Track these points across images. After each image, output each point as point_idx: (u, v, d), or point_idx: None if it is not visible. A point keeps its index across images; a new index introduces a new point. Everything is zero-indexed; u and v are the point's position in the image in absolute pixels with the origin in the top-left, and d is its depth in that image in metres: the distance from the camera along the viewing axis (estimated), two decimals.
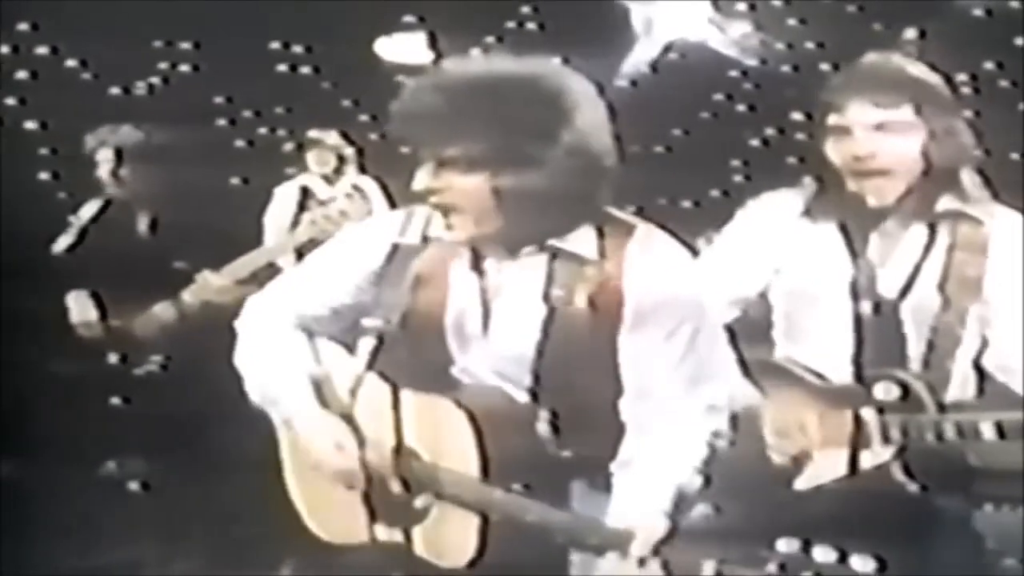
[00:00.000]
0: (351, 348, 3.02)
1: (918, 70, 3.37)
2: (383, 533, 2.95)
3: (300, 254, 4.62)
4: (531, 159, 2.82)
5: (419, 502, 2.91)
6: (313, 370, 3.01)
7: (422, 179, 2.87)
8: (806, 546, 2.46)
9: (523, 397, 2.89)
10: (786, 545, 2.51)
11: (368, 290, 2.99)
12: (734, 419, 2.95)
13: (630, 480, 2.84)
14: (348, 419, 2.97)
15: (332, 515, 3.00)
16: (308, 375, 3.00)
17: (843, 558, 2.51)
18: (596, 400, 2.88)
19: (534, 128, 2.81)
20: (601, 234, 2.91)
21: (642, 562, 2.75)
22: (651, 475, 2.83)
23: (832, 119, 3.32)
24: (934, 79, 3.38)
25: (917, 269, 3.34)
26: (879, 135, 3.29)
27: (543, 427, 2.88)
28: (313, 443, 2.96)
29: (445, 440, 2.88)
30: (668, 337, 2.87)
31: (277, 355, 3.03)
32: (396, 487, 2.92)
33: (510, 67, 2.91)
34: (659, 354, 2.87)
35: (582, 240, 2.90)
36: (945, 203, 3.35)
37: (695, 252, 3.03)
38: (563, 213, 2.89)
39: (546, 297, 2.89)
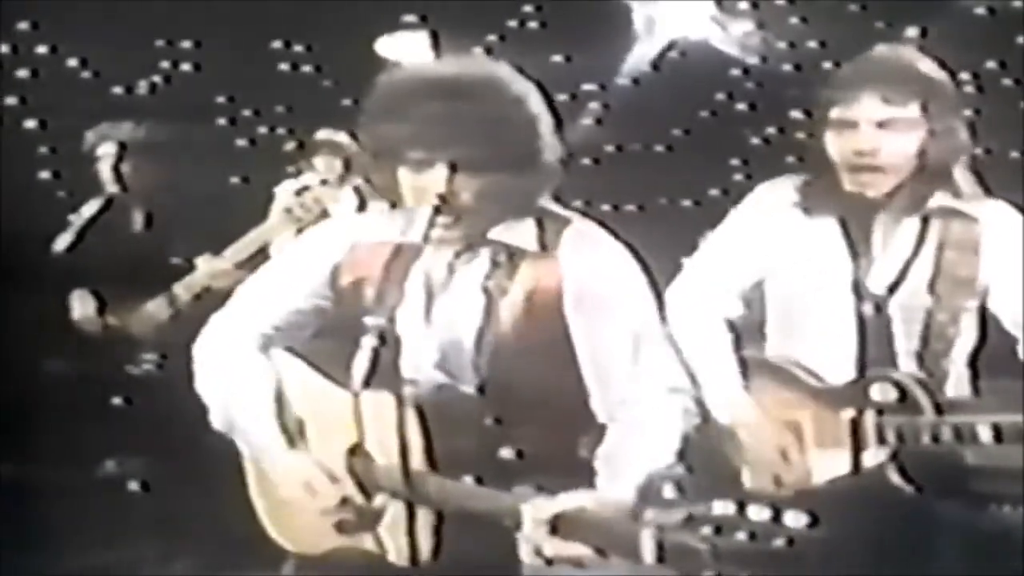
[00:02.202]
0: (301, 356, 3.04)
1: (927, 66, 3.36)
2: (349, 540, 2.97)
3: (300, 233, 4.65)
4: (493, 158, 2.86)
5: (377, 502, 2.93)
6: (273, 391, 3.02)
7: (437, 180, 2.89)
8: (740, 508, 2.46)
9: (469, 390, 2.92)
10: (721, 507, 2.52)
11: (326, 295, 3.02)
12: (700, 402, 2.98)
13: (611, 471, 2.85)
14: (302, 436, 2.98)
15: (297, 530, 3.01)
16: (271, 401, 3.01)
17: (776, 516, 2.51)
18: (537, 393, 2.90)
19: (502, 128, 2.86)
20: (542, 227, 2.96)
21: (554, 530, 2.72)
22: (628, 464, 2.84)
23: (838, 111, 3.31)
24: (941, 76, 3.37)
25: (907, 266, 3.34)
26: (883, 132, 3.29)
27: (488, 422, 2.90)
28: (285, 487, 2.98)
29: (394, 437, 2.89)
30: (612, 329, 2.90)
31: (240, 382, 3.04)
32: (352, 490, 2.94)
33: (470, 68, 2.96)
34: (606, 343, 2.91)
35: (522, 232, 2.95)
36: (938, 199, 3.34)
37: (633, 249, 3.04)
38: (506, 211, 2.94)
39: (484, 288, 2.93)
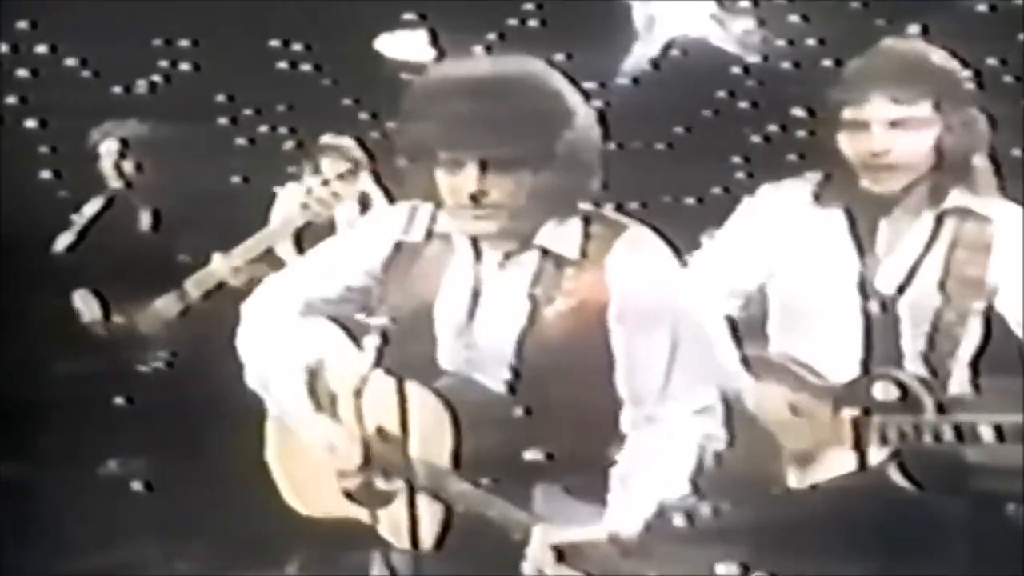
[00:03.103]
0: (355, 337, 3.05)
1: (937, 58, 3.35)
2: (357, 511, 2.98)
3: (298, 239, 4.64)
4: (534, 158, 2.85)
5: (393, 484, 2.94)
6: (310, 361, 3.03)
7: (468, 181, 2.89)
8: (745, 570, 2.48)
9: (500, 389, 2.92)
10: (725, 569, 2.54)
11: (379, 277, 3.02)
12: (728, 421, 2.97)
13: (624, 495, 2.85)
14: (333, 412, 2.99)
15: (310, 491, 3.02)
16: (305, 368, 3.02)
17: None
18: (573, 401, 2.90)
19: (540, 127, 2.85)
20: (587, 235, 2.94)
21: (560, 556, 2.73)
22: (642, 491, 2.84)
23: (850, 112, 3.30)
24: (953, 67, 3.35)
25: (917, 265, 3.33)
26: (896, 131, 3.28)
27: (517, 423, 2.91)
28: (309, 445, 2.99)
29: (422, 429, 2.90)
30: (652, 341, 2.90)
31: (277, 344, 3.05)
32: (373, 470, 2.95)
33: (504, 67, 2.95)
34: (645, 359, 2.89)
35: (566, 240, 2.93)
36: (954, 199, 3.33)
37: (680, 255, 3.04)
38: (557, 211, 2.92)
39: (530, 295, 2.92)
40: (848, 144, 3.34)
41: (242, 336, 3.14)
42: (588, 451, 2.90)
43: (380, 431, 2.96)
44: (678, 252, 3.03)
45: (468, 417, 2.90)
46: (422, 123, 2.92)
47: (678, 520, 2.81)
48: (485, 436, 2.89)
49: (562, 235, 2.96)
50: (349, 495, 3.01)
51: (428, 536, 2.94)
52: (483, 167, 2.86)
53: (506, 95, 2.87)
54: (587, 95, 3.00)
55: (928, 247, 3.34)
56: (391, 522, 2.98)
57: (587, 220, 2.98)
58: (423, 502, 2.93)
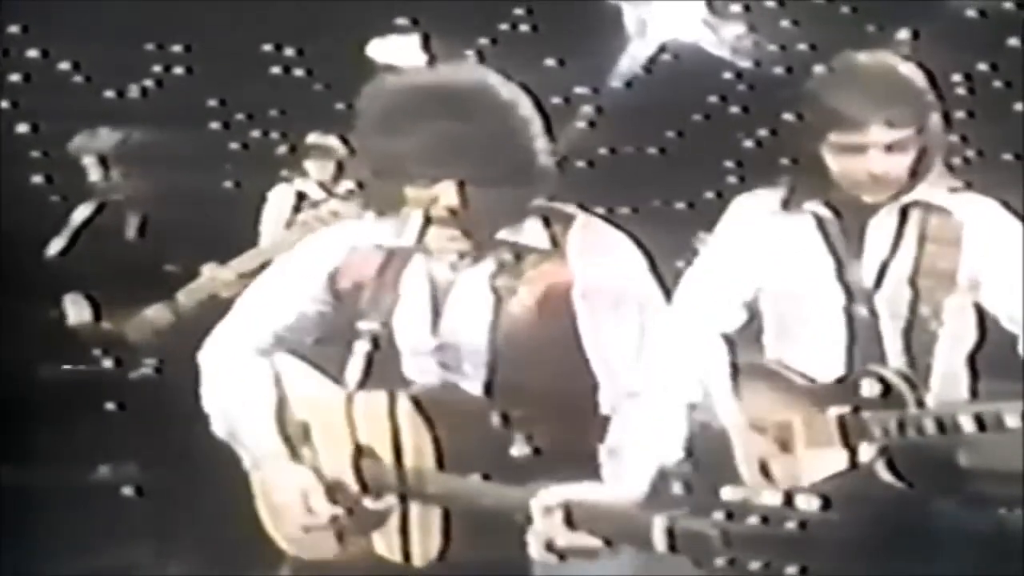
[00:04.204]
0: (306, 358, 3.04)
1: (917, 77, 3.37)
2: (353, 545, 2.97)
3: None
4: (489, 164, 2.87)
5: (384, 503, 2.93)
6: (274, 397, 3.03)
7: (416, 194, 2.90)
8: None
9: (476, 390, 2.93)
10: (731, 492, 2.52)
11: (326, 300, 3.02)
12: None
13: (616, 466, 2.85)
14: (307, 438, 2.98)
15: (299, 536, 3.01)
16: (271, 408, 3.02)
17: (788, 500, 2.51)
18: (549, 390, 2.91)
19: (495, 135, 2.87)
20: (548, 224, 2.97)
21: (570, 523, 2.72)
22: (635, 458, 2.84)
23: (848, 136, 3.31)
24: (925, 84, 3.38)
25: (887, 260, 3.35)
26: (891, 154, 3.31)
27: (496, 421, 2.91)
28: (279, 494, 2.98)
29: (401, 438, 2.90)
30: (619, 318, 2.92)
31: (242, 389, 3.04)
32: (356, 490, 2.94)
33: (457, 77, 2.96)
34: (615, 337, 2.91)
35: (529, 232, 2.95)
36: (915, 193, 3.36)
37: (640, 243, 3.05)
38: (509, 213, 2.94)
39: (493, 288, 2.93)
40: (843, 164, 3.35)
41: (204, 387, 3.12)
42: (574, 439, 2.89)
43: (364, 449, 2.94)
44: (634, 238, 3.03)
45: (446, 420, 2.89)
46: (381, 138, 2.92)
47: (676, 488, 2.80)
48: (466, 438, 2.89)
49: (523, 231, 2.98)
50: (340, 536, 2.98)
51: (431, 548, 2.92)
52: (446, 181, 2.86)
53: (458, 108, 2.88)
54: (540, 103, 3.00)
55: (896, 242, 3.36)
56: (387, 543, 2.95)
57: (541, 215, 3.01)
58: (417, 514, 2.90)
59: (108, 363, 4.64)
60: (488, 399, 2.93)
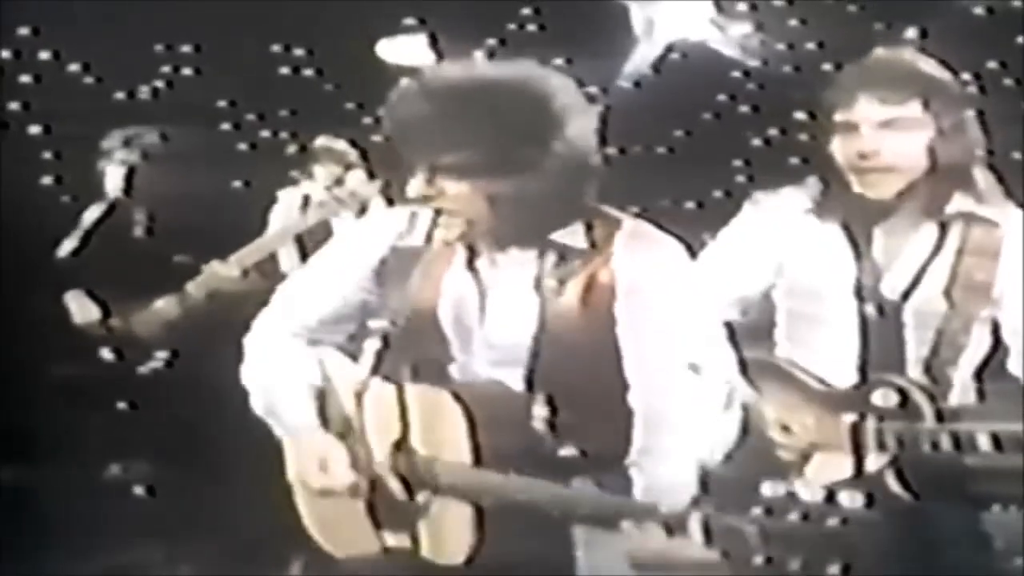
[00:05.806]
0: (355, 357, 3.04)
1: (927, 65, 3.33)
2: (391, 539, 2.96)
3: (300, 242, 4.65)
4: (523, 163, 2.85)
5: (419, 499, 2.93)
6: (316, 382, 3.02)
7: (416, 186, 2.90)
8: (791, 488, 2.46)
9: (519, 386, 2.92)
10: (771, 488, 2.51)
11: (371, 289, 3.02)
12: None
13: (653, 466, 2.86)
14: (350, 432, 2.98)
15: (340, 530, 3.00)
16: (311, 388, 3.02)
17: (831, 497, 2.50)
18: (592, 391, 2.91)
19: (526, 133, 2.85)
20: (590, 228, 2.96)
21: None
22: (674, 460, 2.85)
23: (839, 115, 3.29)
24: (943, 74, 3.34)
25: (922, 271, 3.31)
26: (885, 132, 3.26)
27: (539, 419, 2.91)
28: (299, 460, 2.98)
29: (440, 433, 2.90)
30: (662, 322, 2.91)
31: (280, 368, 3.04)
32: (396, 487, 2.94)
33: (497, 72, 2.94)
34: (656, 341, 2.91)
35: (572, 234, 2.95)
36: (957, 204, 3.30)
37: (689, 247, 3.04)
38: (554, 212, 2.93)
39: (538, 288, 2.93)
40: (839, 148, 3.32)
41: (246, 369, 3.12)
42: (615, 441, 2.89)
43: (397, 444, 2.94)
44: (686, 244, 3.03)
45: (488, 417, 2.89)
46: (418, 129, 2.91)
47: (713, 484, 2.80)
48: (507, 436, 2.88)
49: (566, 232, 2.97)
50: (377, 523, 2.97)
51: (464, 545, 2.92)
52: (470, 175, 2.86)
53: (496, 101, 2.87)
54: (591, 99, 2.99)
55: (934, 254, 3.31)
56: (429, 539, 2.95)
57: (589, 217, 3.00)
58: (453, 507, 2.90)
59: (118, 360, 4.64)
60: (530, 396, 2.93)
